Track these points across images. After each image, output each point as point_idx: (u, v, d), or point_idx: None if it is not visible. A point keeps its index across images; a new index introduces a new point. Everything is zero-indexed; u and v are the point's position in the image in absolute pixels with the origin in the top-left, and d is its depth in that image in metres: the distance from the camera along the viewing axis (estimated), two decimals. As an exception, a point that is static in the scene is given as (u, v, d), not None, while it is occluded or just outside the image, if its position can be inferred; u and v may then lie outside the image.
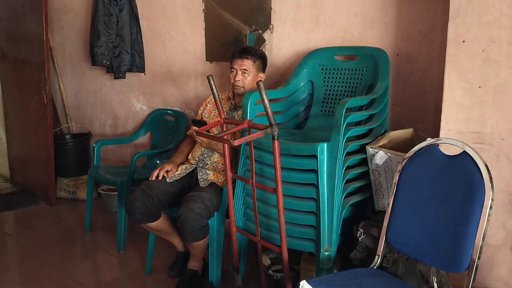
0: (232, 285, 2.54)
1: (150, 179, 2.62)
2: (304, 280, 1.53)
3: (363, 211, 2.31)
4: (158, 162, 3.53)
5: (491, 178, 1.65)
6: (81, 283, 2.75)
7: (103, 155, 3.64)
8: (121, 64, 3.60)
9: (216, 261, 2.52)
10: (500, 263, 1.94)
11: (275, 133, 1.93)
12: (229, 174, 2.22)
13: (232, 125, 2.33)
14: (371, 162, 2.17)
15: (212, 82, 2.16)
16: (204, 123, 2.30)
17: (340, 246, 2.16)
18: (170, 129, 3.54)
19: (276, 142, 1.94)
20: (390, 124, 2.47)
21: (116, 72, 3.62)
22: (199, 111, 2.86)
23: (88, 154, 4.18)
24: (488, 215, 1.63)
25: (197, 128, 2.22)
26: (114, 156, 4.02)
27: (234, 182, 2.36)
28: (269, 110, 1.90)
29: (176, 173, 2.64)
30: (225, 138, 2.05)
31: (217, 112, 2.61)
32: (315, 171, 2.06)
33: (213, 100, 2.58)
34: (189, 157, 2.75)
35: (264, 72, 2.68)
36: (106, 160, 3.92)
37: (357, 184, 2.25)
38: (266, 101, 1.88)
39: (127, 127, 3.90)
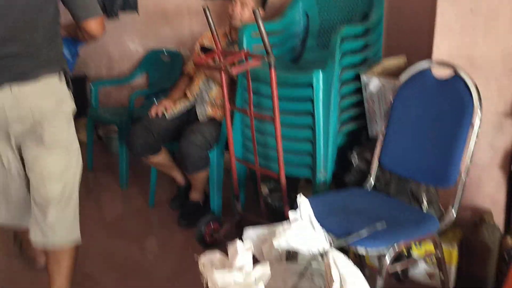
0: (233, 213, 2.67)
1: (150, 115, 2.68)
2: (301, 193, 1.63)
3: (357, 139, 2.39)
4: (156, 101, 3.57)
5: (480, 97, 1.72)
6: (86, 220, 2.86)
7: (100, 98, 3.67)
8: (114, 4, 3.57)
9: (217, 191, 2.62)
10: (488, 181, 2.05)
11: (272, 61, 1.97)
12: (228, 106, 2.28)
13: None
14: (366, 90, 2.23)
15: (208, 13, 2.17)
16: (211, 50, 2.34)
17: (335, 173, 2.26)
18: (166, 69, 3.56)
19: (272, 70, 1.98)
20: (384, 53, 2.51)
21: (109, 12, 3.59)
22: (195, 48, 2.88)
23: (85, 97, 4.19)
24: (477, 135, 1.71)
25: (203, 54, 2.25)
26: (112, 99, 4.04)
27: (232, 115, 2.42)
28: (265, 38, 1.93)
29: (175, 109, 2.70)
30: (223, 67, 2.09)
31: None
32: (311, 100, 2.12)
33: (209, 35, 2.60)
34: (187, 93, 2.80)
35: (264, 9, 2.68)
36: (103, 103, 3.95)
37: (352, 112, 2.32)
38: (262, 28, 1.91)
39: (122, 69, 3.90)
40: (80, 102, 4.22)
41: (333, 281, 1.40)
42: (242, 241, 2.09)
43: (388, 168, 1.98)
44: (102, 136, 3.90)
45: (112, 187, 3.30)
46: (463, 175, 1.73)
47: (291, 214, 1.63)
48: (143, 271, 2.34)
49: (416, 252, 2.04)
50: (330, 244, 1.58)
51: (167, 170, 2.84)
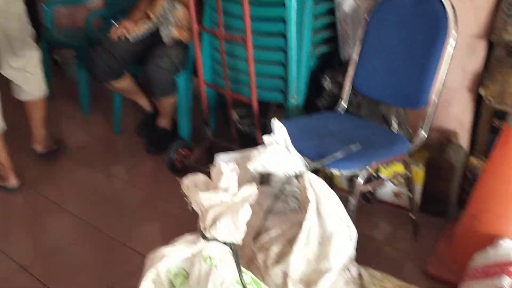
0: (203, 139, 2.64)
1: (111, 38, 2.52)
2: (275, 118, 1.60)
3: (329, 63, 2.36)
4: (115, 23, 3.36)
5: (456, 17, 1.70)
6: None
7: (54, 20, 3.42)
8: None
9: (186, 117, 2.57)
10: (456, 103, 2.08)
11: (243, -23, 1.86)
12: (195, 27, 2.17)
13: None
14: (339, 11, 2.16)
15: None
16: None
17: (307, 98, 2.23)
18: (125, -12, 3.32)
19: (244, -13, 1.87)
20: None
21: None
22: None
23: (37, 18, 3.92)
24: (451, 55, 1.71)
25: None
26: (68, 22, 3.80)
27: (200, 37, 2.31)
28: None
29: (139, 32, 2.55)
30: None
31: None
32: (283, 20, 2.04)
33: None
34: (149, 14, 2.64)
35: None
36: (58, 26, 3.70)
37: (324, 34, 2.26)
38: None
39: (77, -11, 3.62)
40: (32, 24, 3.94)
41: (309, 201, 1.42)
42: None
43: (361, 91, 1.97)
44: (59, 61, 3.69)
45: (74, 114, 3.18)
46: (435, 97, 1.75)
47: (266, 138, 1.62)
48: (113, 199, 2.32)
49: (384, 173, 2.09)
50: (306, 166, 1.59)
51: (131, 96, 2.74)
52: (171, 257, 0.91)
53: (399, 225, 2.08)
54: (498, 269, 1.49)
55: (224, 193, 0.90)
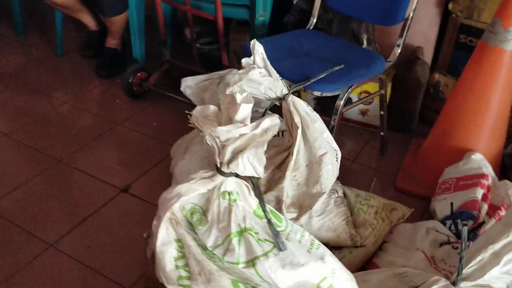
0: (156, 62, 2.49)
1: None
2: (255, 40, 1.51)
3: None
4: None
5: None
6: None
7: None
8: None
9: (139, 36, 2.37)
10: (423, 18, 2.06)
11: None
12: None
13: None
14: None
15: None
16: None
17: (272, 14, 2.12)
18: None
19: None
20: None
21: None
22: None
23: None
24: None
25: None
26: None
27: None
28: None
29: None
30: None
31: None
32: None
33: None
34: None
35: None
36: None
37: None
38: None
39: None
40: None
41: (298, 127, 1.38)
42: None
43: (333, 7, 1.89)
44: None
45: (6, 35, 2.84)
46: (411, 13, 1.71)
47: (245, 60, 1.53)
48: (64, 126, 2.14)
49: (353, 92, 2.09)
50: (288, 88, 1.53)
51: (74, 14, 2.47)
52: (188, 195, 0.85)
53: (366, 142, 2.13)
54: (470, 182, 1.58)
55: (244, 126, 0.84)
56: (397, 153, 2.04)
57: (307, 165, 1.41)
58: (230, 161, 0.85)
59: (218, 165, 0.87)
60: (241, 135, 0.84)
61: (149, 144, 2.07)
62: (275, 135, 1.63)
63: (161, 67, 2.33)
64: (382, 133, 1.97)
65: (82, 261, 1.51)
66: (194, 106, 2.05)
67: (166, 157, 1.97)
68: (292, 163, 1.36)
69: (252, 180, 0.91)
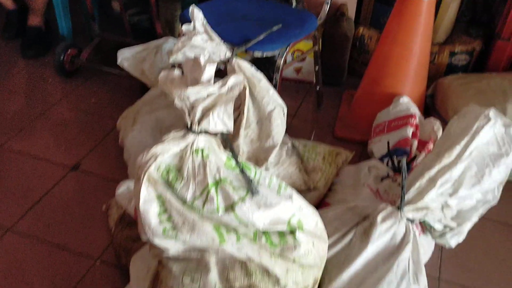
0: (84, 37, 2.43)
1: None
2: (194, 5, 1.54)
3: None
4: None
5: None
6: None
7: None
8: None
9: (64, 12, 2.29)
10: (343, -24, 2.19)
11: None
12: None
13: None
14: None
15: None
16: None
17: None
18: None
19: None
20: None
21: None
22: None
23: None
24: None
25: None
26: None
27: None
28: None
29: None
30: None
31: None
32: None
33: None
34: None
35: None
36: None
37: None
38: None
39: None
40: None
41: (245, 88, 1.46)
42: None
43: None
44: None
45: None
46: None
47: (185, 26, 1.56)
48: None
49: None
50: (231, 52, 1.59)
51: (-11, -7, 2.34)
52: (163, 155, 0.90)
53: (303, 98, 2.25)
54: (400, 122, 1.75)
55: (211, 86, 0.90)
56: (332, 105, 2.19)
57: (257, 122, 1.50)
58: (200, 120, 0.91)
59: (189, 125, 0.93)
60: (209, 95, 0.90)
61: (91, 121, 2.06)
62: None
63: (91, 42, 2.28)
64: (318, 87, 2.10)
65: (44, 239, 1.52)
66: (129, 78, 2.08)
67: (111, 131, 1.97)
68: (244, 121, 1.44)
69: (223, 136, 0.98)
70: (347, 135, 1.98)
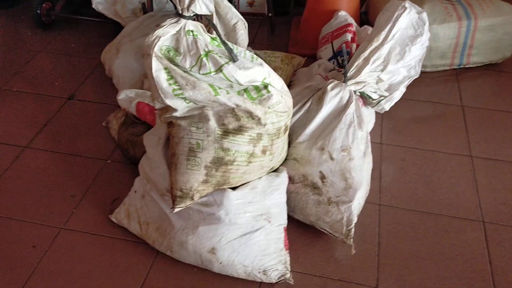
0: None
1: None
2: None
3: None
4: None
5: None
6: None
7: None
8: None
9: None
10: None
11: None
12: None
13: None
14: None
15: None
16: None
17: None
18: None
19: None
20: None
21: None
22: None
23: None
24: None
25: None
26: None
27: None
28: None
29: None
30: None
31: None
32: None
33: None
34: None
35: None
36: None
37: None
38: None
39: None
40: None
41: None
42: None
43: None
44: None
45: None
46: None
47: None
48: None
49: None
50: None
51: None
52: (164, 35, 1.22)
53: (258, 28, 2.59)
54: (341, 31, 2.12)
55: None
56: (284, 30, 2.54)
57: (224, 34, 1.82)
58: (189, 5, 1.23)
59: (180, 11, 1.24)
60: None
61: (76, 61, 2.31)
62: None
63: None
64: (270, 14, 2.44)
65: (58, 151, 1.81)
66: (102, 24, 2.35)
67: (96, 66, 2.25)
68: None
69: (207, 17, 1.30)
70: (299, 51, 2.34)
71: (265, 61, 1.95)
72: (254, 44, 2.46)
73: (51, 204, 1.60)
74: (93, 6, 2.26)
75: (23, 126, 1.92)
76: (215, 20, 1.79)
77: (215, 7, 1.80)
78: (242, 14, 2.59)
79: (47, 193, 1.64)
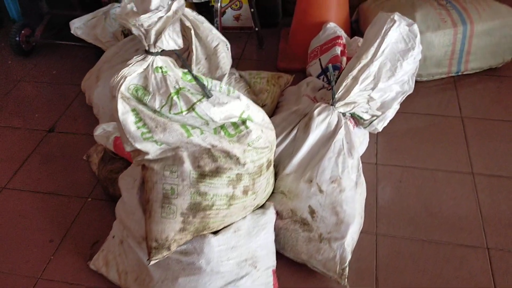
0: (33, 16, 2.56)
1: None
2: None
3: None
4: None
5: None
6: None
7: None
8: None
9: (11, -4, 2.43)
10: None
11: None
12: None
13: None
14: None
15: None
16: None
17: None
18: None
19: None
20: None
21: None
22: None
23: None
24: None
25: None
26: None
27: None
28: None
29: None
30: None
31: None
32: None
33: None
34: None
35: None
36: None
37: None
38: None
39: None
40: None
41: (190, 28, 1.68)
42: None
43: None
44: None
45: None
46: None
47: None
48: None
49: (224, 2, 2.40)
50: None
51: None
52: (130, 75, 1.13)
53: (245, 42, 2.49)
54: (330, 44, 2.02)
55: (159, 11, 1.11)
56: (272, 43, 2.44)
57: (206, 58, 1.73)
58: (156, 41, 1.14)
59: (147, 48, 1.15)
60: (159, 19, 1.12)
61: (57, 90, 2.23)
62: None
63: (41, 21, 2.43)
64: (256, 28, 2.34)
65: (37, 191, 1.72)
66: (83, 48, 2.26)
67: (77, 96, 2.17)
68: (194, 58, 1.66)
69: (176, 52, 1.21)
70: (288, 65, 2.24)
71: (250, 83, 1.87)
72: (242, 59, 2.37)
73: (28, 251, 1.52)
74: (72, 31, 2.17)
75: (1, 164, 1.84)
76: (195, 44, 1.70)
77: (194, 29, 1.72)
78: (229, 28, 2.51)
79: (25, 237, 1.56)
